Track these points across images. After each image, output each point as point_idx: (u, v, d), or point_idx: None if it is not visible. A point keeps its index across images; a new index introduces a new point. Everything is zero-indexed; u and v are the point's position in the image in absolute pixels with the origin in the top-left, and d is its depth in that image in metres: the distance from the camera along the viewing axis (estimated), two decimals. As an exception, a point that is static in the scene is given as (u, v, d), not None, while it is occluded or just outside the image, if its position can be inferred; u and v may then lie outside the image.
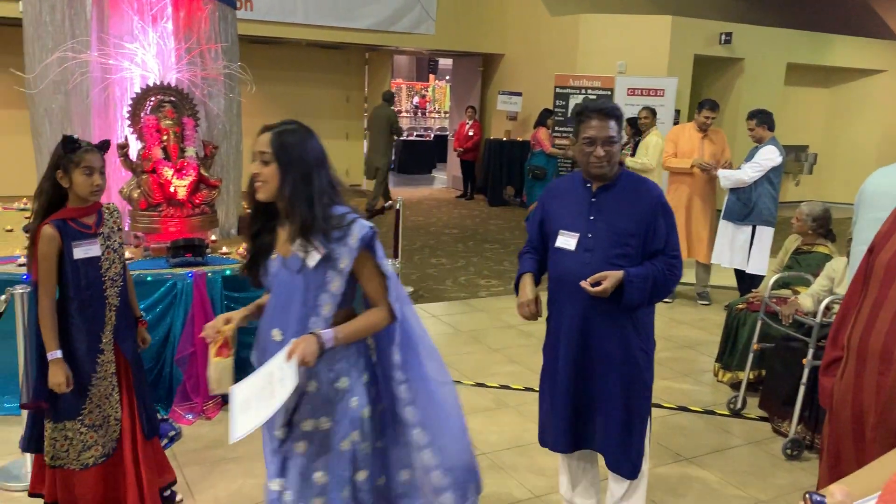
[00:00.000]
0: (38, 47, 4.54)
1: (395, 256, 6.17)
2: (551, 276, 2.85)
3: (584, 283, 2.61)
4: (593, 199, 2.74)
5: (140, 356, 3.08)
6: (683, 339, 5.80)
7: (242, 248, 4.64)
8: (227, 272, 4.23)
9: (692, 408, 4.54)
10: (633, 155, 7.21)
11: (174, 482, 3.26)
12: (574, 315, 2.73)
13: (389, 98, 11.39)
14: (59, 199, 2.77)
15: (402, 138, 16.34)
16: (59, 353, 2.76)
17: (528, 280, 2.88)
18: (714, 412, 4.49)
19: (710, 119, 6.52)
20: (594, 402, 2.79)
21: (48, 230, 2.71)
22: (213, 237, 4.81)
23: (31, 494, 3.03)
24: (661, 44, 11.06)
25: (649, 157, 7.07)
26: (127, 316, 2.98)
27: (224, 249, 4.58)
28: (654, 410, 3.27)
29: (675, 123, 9.92)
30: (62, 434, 2.86)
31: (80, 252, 2.76)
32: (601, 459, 2.92)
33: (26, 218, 5.34)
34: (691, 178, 6.55)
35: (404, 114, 20.89)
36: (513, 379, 4.86)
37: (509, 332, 5.86)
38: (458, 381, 4.77)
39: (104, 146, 2.87)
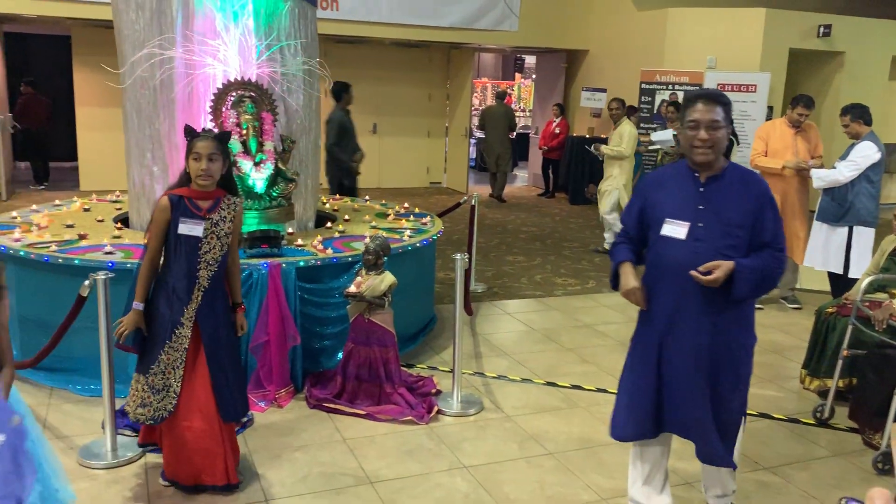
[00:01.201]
0: (128, 45, 4.74)
1: (469, 252, 6.14)
2: (653, 265, 2.85)
3: (696, 273, 2.62)
4: (701, 189, 2.75)
5: (223, 343, 3.16)
6: (769, 343, 5.54)
7: (317, 240, 4.71)
8: (302, 263, 4.30)
9: (775, 415, 4.32)
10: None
11: (238, 464, 3.40)
12: (677, 304, 2.74)
13: (502, 96, 12.44)
14: (188, 180, 3.10)
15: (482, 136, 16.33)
16: (140, 306, 3.09)
17: (629, 268, 2.88)
18: (799, 420, 4.26)
19: (803, 116, 6.20)
20: (688, 392, 2.78)
21: (163, 200, 3.07)
22: (290, 229, 4.91)
23: (140, 445, 3.42)
24: (754, 37, 10.61)
25: (624, 145, 8.05)
26: (215, 300, 3.13)
27: (299, 242, 4.66)
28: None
29: (768, 120, 9.49)
30: (136, 384, 3.14)
31: (185, 228, 3.04)
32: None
33: (117, 209, 5.61)
34: (782, 177, 6.23)
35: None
36: (585, 379, 4.76)
37: (584, 331, 5.74)
38: (528, 380, 4.71)
39: (222, 136, 3.17)
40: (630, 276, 2.84)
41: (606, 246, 8.57)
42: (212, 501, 3.24)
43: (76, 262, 4.12)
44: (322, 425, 3.97)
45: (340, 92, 7.53)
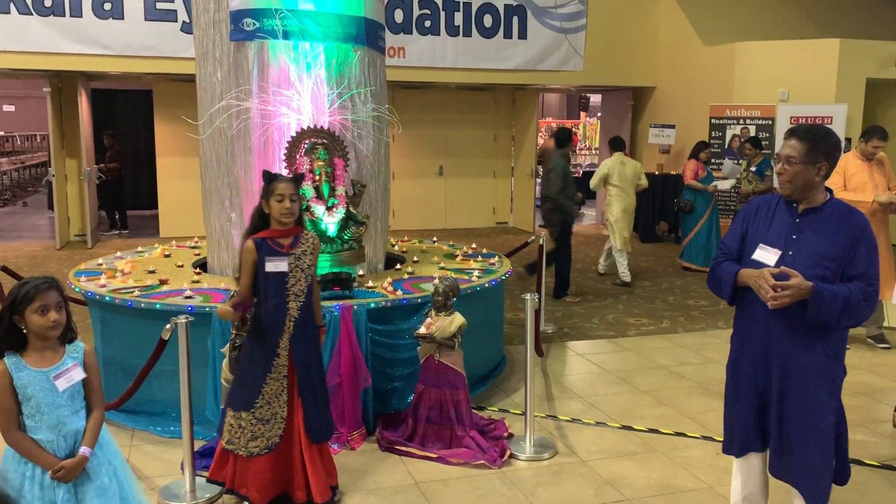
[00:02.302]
0: (207, 97, 4.94)
1: (538, 292, 6.08)
2: (747, 290, 2.89)
3: (768, 272, 2.70)
4: (798, 220, 2.85)
5: (313, 366, 3.43)
6: (859, 385, 5.27)
7: (387, 282, 4.76)
8: (372, 305, 4.35)
9: (867, 461, 4.09)
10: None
11: (336, 487, 3.57)
12: (765, 327, 2.84)
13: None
14: (264, 222, 3.34)
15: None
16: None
17: (747, 270, 2.85)
18: (893, 467, 4.02)
19: (878, 148, 5.99)
20: (776, 417, 2.86)
21: (249, 244, 3.31)
22: (361, 272, 4.97)
23: (209, 480, 3.53)
24: (828, 69, 10.34)
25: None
26: (306, 327, 3.37)
27: (370, 283, 4.71)
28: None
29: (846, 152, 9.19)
30: (237, 422, 3.32)
31: (271, 266, 3.27)
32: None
33: (196, 255, 5.80)
34: (863, 211, 5.98)
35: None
36: (662, 423, 4.61)
37: (660, 372, 5.58)
38: (603, 423, 4.59)
39: (298, 178, 3.45)
40: (750, 272, 2.83)
41: (626, 279, 8.53)
42: (287, 544, 3.25)
43: (157, 306, 4.26)
44: (394, 468, 3.96)
45: (564, 139, 7.53)
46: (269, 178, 3.33)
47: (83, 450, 2.44)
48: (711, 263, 3.05)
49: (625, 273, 8.53)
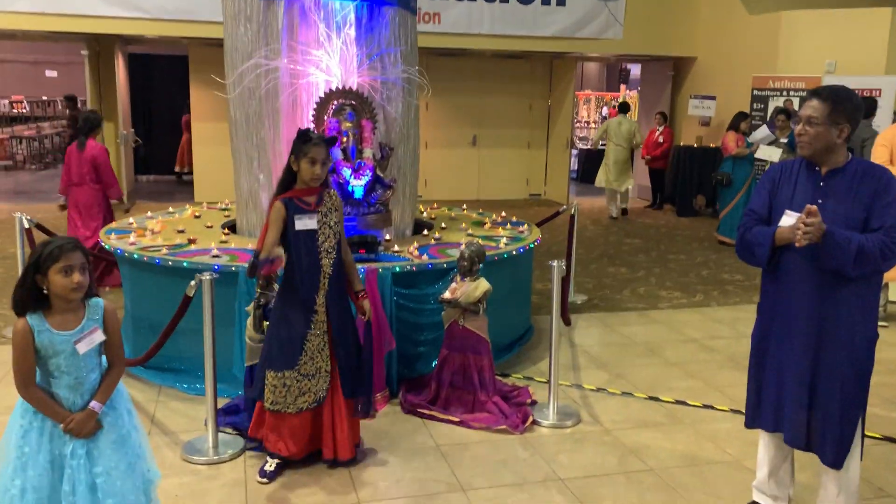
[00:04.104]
0: (236, 56, 4.91)
1: (567, 261, 5.99)
2: (777, 255, 2.85)
3: (806, 210, 2.62)
4: (822, 184, 2.80)
5: (348, 323, 3.49)
6: (893, 362, 5.11)
7: (413, 246, 4.72)
8: (398, 269, 4.31)
9: (902, 440, 3.97)
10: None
11: (359, 444, 3.64)
12: (794, 292, 2.80)
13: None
14: (292, 180, 3.35)
15: (586, 147, 16.09)
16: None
17: (781, 228, 2.78)
18: (930, 447, 3.90)
19: None
20: (805, 384, 2.82)
21: (278, 204, 3.29)
22: (388, 236, 4.94)
23: (250, 439, 3.62)
24: (879, 39, 9.94)
25: None
26: (339, 285, 3.41)
27: (396, 248, 4.68)
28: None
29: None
30: (281, 381, 3.34)
31: (301, 224, 3.29)
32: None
33: (226, 216, 5.82)
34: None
35: (592, 125, 20.56)
36: (690, 395, 4.53)
37: (690, 345, 5.48)
38: (629, 393, 4.52)
39: (331, 141, 3.44)
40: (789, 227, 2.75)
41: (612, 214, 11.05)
42: (304, 494, 3.27)
43: (184, 264, 4.28)
44: (416, 430, 3.95)
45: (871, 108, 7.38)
46: (304, 138, 3.31)
47: (93, 404, 2.43)
48: (740, 230, 2.96)
49: (612, 209, 11.16)
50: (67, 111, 13.32)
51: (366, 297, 3.56)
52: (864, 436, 2.89)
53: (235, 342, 4.19)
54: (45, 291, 2.36)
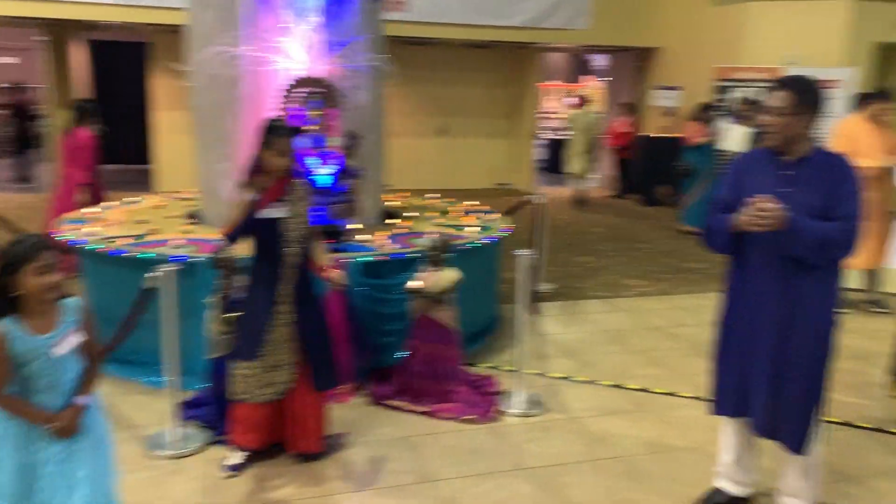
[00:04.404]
0: (198, 43, 4.81)
1: (534, 250, 6.00)
2: (741, 244, 2.89)
3: (756, 200, 2.67)
4: (786, 173, 2.83)
5: (316, 313, 3.44)
6: (853, 349, 5.21)
7: (381, 236, 4.69)
8: (365, 259, 4.28)
9: (860, 424, 4.06)
10: None
11: (328, 437, 3.59)
12: (759, 280, 2.84)
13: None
14: (258, 169, 3.26)
15: (553, 137, 16.14)
16: None
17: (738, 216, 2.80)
18: (886, 430, 3.99)
19: (884, 111, 5.87)
20: (769, 372, 2.85)
21: (248, 196, 3.22)
22: (354, 225, 4.89)
23: (217, 431, 3.61)
24: (838, 31, 10.11)
25: None
26: (305, 276, 3.36)
27: (363, 237, 4.64)
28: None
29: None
30: (245, 373, 3.30)
31: (266, 213, 3.22)
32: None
33: (188, 207, 5.72)
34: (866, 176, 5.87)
35: (560, 114, 20.68)
36: (656, 382, 4.58)
37: (655, 333, 5.54)
38: (595, 382, 4.56)
39: (297, 132, 3.40)
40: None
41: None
42: (271, 487, 3.24)
43: (145, 255, 4.20)
44: (385, 421, 3.93)
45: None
46: (272, 128, 3.27)
47: (79, 399, 2.35)
48: (706, 219, 2.99)
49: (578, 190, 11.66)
50: (11, 99, 12.93)
51: (328, 271, 3.51)
52: (824, 421, 2.95)
53: (197, 335, 4.13)
54: (16, 294, 2.23)
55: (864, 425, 4.05)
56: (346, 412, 4.00)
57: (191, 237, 4.60)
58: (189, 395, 3.97)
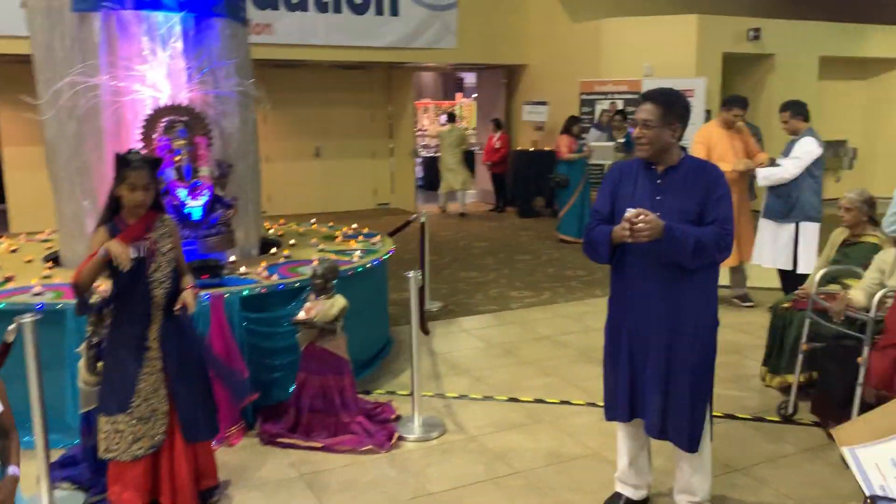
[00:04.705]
0: (49, 74, 4.49)
1: (421, 268, 5.99)
2: (620, 253, 2.96)
3: (630, 213, 2.73)
4: (658, 181, 2.92)
5: (189, 357, 3.18)
6: (726, 343, 5.47)
7: (262, 267, 4.51)
8: (246, 293, 4.10)
9: (740, 415, 4.27)
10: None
11: (215, 487, 3.36)
12: (640, 287, 2.91)
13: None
14: (116, 207, 3.05)
15: (429, 155, 16.28)
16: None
17: (616, 227, 2.86)
18: (764, 419, 4.22)
19: (738, 117, 6.27)
20: (658, 373, 2.93)
21: (101, 233, 3.01)
22: (232, 258, 4.70)
23: (94, 491, 3.34)
24: (688, 43, 10.79)
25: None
26: (177, 318, 3.11)
27: (242, 270, 4.45)
28: (699, 419, 3.04)
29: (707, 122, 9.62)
30: (114, 427, 3.05)
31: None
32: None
33: (47, 249, 5.31)
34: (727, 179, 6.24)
35: (431, 134, 20.90)
36: (548, 392, 4.64)
37: (543, 343, 5.63)
38: (490, 397, 4.57)
39: (154, 163, 3.14)
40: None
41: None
42: (161, 554, 3.01)
43: (1, 305, 3.83)
44: (277, 461, 3.76)
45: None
46: (122, 162, 3.03)
47: (13, 469, 2.14)
48: (585, 230, 3.06)
49: (445, 207, 12.41)
50: None
51: (195, 292, 3.18)
52: (712, 417, 3.06)
53: (67, 387, 3.81)
54: None
55: (744, 416, 4.26)
56: (235, 455, 3.80)
57: (51, 283, 4.25)
58: (61, 453, 3.65)
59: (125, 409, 3.04)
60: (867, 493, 1.33)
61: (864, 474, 1.40)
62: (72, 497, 3.37)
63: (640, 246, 2.81)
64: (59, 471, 3.49)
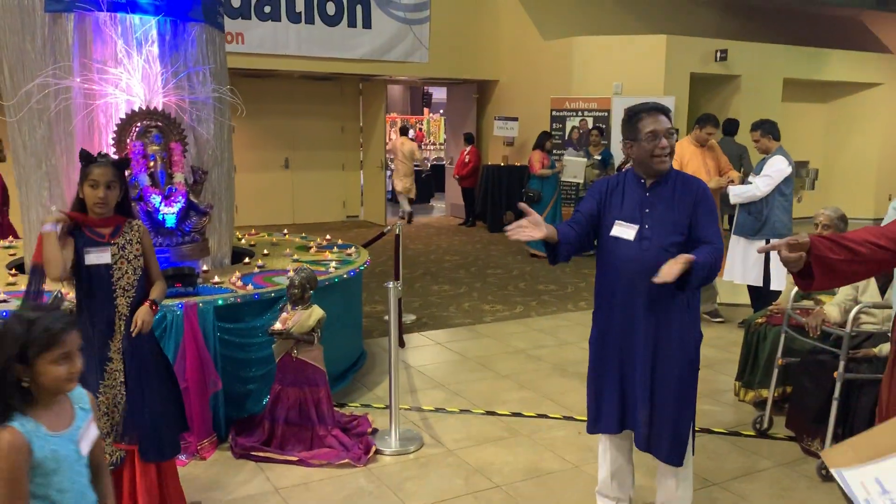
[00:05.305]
0: (19, 74, 4.36)
1: (396, 279, 5.94)
2: (607, 265, 2.97)
3: (657, 280, 2.68)
4: (647, 194, 2.92)
5: (153, 370, 3.00)
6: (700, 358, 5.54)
7: (236, 276, 4.42)
8: (220, 302, 4.01)
9: (716, 429, 4.29)
10: None
11: None
12: (629, 300, 2.89)
13: (405, 131, 13.81)
14: (82, 209, 2.91)
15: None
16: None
17: (551, 228, 2.81)
18: (739, 433, 4.24)
19: (711, 135, 6.38)
20: (645, 386, 2.91)
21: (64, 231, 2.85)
22: (205, 266, 4.60)
23: None
24: (657, 63, 10.96)
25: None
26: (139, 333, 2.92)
27: (216, 279, 4.36)
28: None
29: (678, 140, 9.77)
30: None
31: (92, 258, 2.87)
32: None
33: (11, 255, 5.15)
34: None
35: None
36: (525, 406, 4.61)
37: (518, 356, 5.61)
38: (468, 410, 4.52)
39: (120, 163, 3.03)
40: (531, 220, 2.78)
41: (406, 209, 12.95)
42: (131, 571, 2.89)
43: (-36, 313, 3.69)
44: (251, 475, 3.66)
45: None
46: (86, 160, 2.90)
47: None
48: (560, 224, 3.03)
49: (405, 208, 12.93)
50: None
51: (152, 309, 2.95)
52: (695, 431, 3.06)
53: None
54: (24, 384, 1.76)
55: (720, 430, 4.28)
56: (208, 469, 3.70)
57: (15, 290, 4.11)
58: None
59: None
60: None
61: (851, 492, 1.46)
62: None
63: (631, 268, 2.84)
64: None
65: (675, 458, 2.95)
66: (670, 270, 2.65)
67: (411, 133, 14.72)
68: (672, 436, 2.92)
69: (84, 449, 1.87)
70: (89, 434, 1.90)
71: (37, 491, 1.75)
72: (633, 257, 2.84)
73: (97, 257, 2.87)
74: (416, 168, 13.72)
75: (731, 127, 8.60)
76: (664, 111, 2.90)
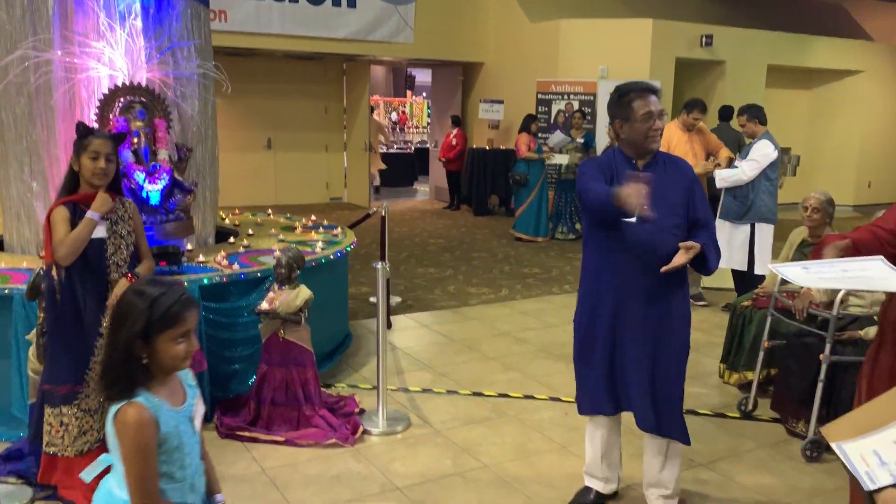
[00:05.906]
0: (-4, 47, 4.26)
1: (382, 259, 5.90)
2: (603, 248, 2.92)
3: (666, 268, 2.73)
4: (641, 175, 2.79)
5: None
6: (684, 341, 5.58)
7: (221, 255, 4.37)
8: (206, 281, 3.96)
9: (701, 411, 4.31)
10: None
11: None
12: (625, 282, 2.86)
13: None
14: (75, 184, 2.93)
15: (384, 151, 16.20)
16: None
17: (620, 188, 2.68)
18: (725, 415, 4.27)
19: (698, 120, 6.38)
20: (641, 367, 2.90)
21: (62, 209, 2.86)
22: (189, 246, 4.53)
23: (40, 486, 3.07)
24: (643, 47, 10.94)
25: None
26: None
27: (201, 258, 4.29)
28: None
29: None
30: (58, 420, 2.90)
31: None
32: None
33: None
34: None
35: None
36: (511, 387, 4.61)
37: (504, 339, 5.61)
38: (455, 391, 4.51)
39: (118, 137, 3.07)
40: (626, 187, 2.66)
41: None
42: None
43: (-58, 290, 3.61)
44: (237, 456, 3.63)
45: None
46: (84, 131, 2.91)
47: (219, 497, 1.94)
48: (586, 185, 2.86)
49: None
50: None
51: (129, 279, 2.96)
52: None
53: (13, 376, 3.62)
54: (143, 362, 1.75)
55: (706, 412, 4.31)
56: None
57: (-4, 267, 4.03)
58: (6, 446, 3.46)
59: (72, 401, 2.90)
60: (865, 489, 1.42)
61: (851, 465, 1.47)
62: (18, 492, 3.18)
63: (633, 250, 2.83)
64: (4, 464, 3.30)
65: (683, 435, 2.98)
66: (679, 259, 2.71)
67: (375, 114, 15.05)
68: (678, 414, 2.95)
69: (197, 425, 1.86)
70: (199, 410, 1.88)
71: (161, 469, 1.74)
72: (638, 239, 2.80)
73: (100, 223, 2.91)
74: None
75: (726, 112, 8.61)
76: (655, 91, 2.86)
